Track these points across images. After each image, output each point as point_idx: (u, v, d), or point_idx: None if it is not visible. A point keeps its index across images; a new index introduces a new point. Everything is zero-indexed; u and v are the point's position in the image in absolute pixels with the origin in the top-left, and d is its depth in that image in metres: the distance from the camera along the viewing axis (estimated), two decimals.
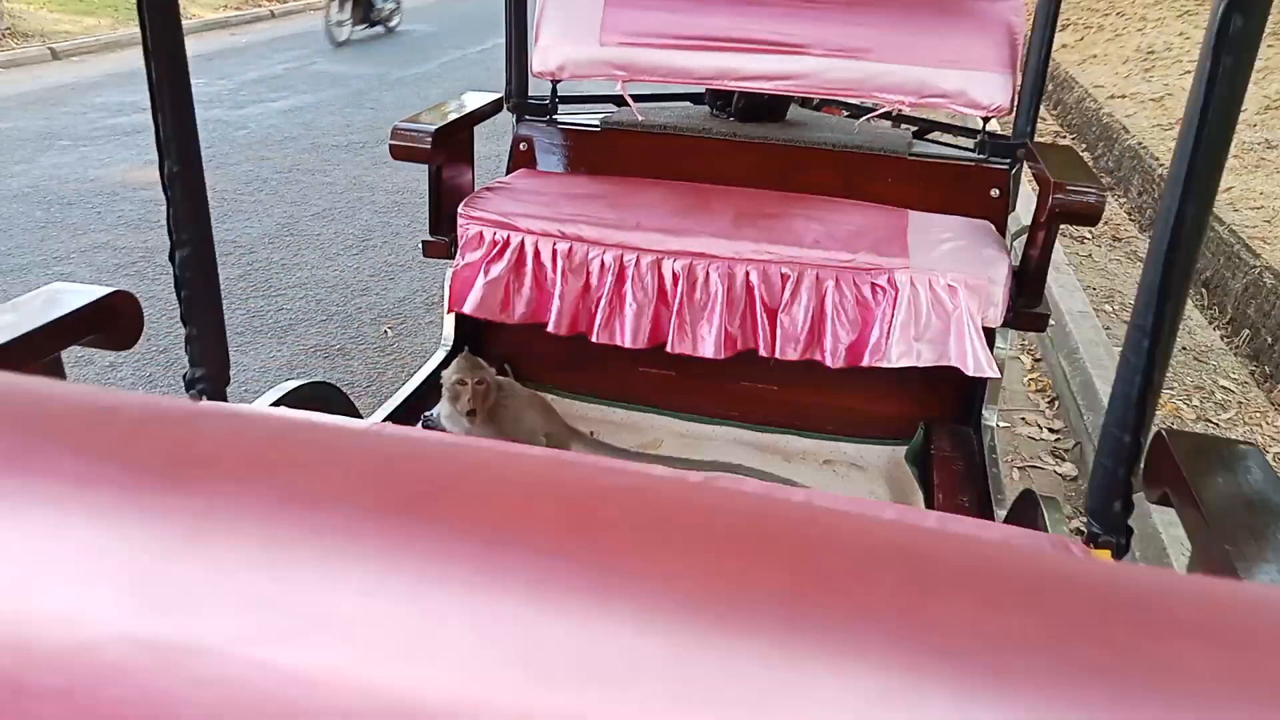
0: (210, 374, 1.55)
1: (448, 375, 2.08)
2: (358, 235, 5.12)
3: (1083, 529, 1.70)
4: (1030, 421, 3.42)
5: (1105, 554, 1.19)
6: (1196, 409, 3.69)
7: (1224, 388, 3.91)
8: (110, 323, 1.33)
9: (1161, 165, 6.24)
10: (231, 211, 5.41)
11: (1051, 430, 3.37)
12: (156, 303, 4.14)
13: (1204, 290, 5.04)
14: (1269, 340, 4.25)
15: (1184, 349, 4.25)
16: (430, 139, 2.23)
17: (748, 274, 2.19)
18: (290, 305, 4.23)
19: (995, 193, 2.45)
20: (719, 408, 2.55)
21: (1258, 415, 3.70)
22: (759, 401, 2.53)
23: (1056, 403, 3.55)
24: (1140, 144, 6.83)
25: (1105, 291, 4.89)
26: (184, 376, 1.57)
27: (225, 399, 1.58)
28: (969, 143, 2.59)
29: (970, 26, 2.39)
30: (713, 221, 2.26)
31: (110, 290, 1.33)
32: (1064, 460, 3.18)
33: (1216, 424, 3.63)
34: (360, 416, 2.06)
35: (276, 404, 1.69)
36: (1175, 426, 3.47)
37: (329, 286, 4.46)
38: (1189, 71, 8.74)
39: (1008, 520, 1.73)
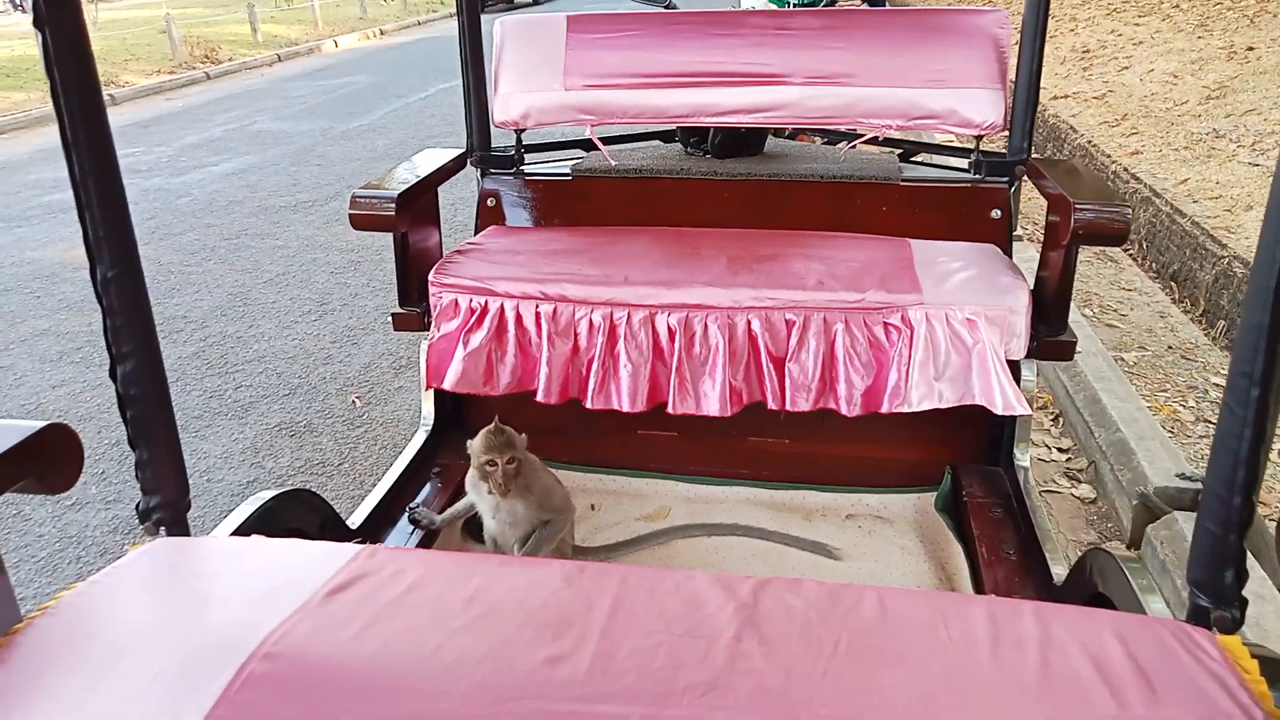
0: (167, 501, 1.35)
1: (476, 449, 1.88)
2: (315, 300, 4.90)
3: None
4: (1037, 442, 3.29)
5: (1237, 643, 1.03)
6: (1194, 410, 3.59)
7: (1216, 385, 3.83)
8: (44, 464, 1.13)
9: (1114, 161, 6.24)
10: (180, 285, 5.16)
11: (1060, 450, 3.25)
12: (106, 390, 3.89)
13: (1174, 284, 5.01)
14: None
15: (1170, 348, 4.18)
16: (393, 205, 2.05)
17: (749, 323, 2.04)
18: (249, 381, 4.00)
19: (996, 214, 2.33)
20: (728, 467, 2.38)
21: None
22: (770, 457, 2.36)
23: (1061, 419, 3.43)
24: (1090, 141, 6.85)
25: (1083, 295, 4.82)
26: (136, 506, 1.36)
27: (186, 528, 1.38)
28: (961, 163, 2.47)
29: (954, 43, 2.27)
30: (706, 269, 2.10)
31: (43, 425, 1.13)
32: (1079, 482, 3.05)
33: (1215, 424, 3.54)
34: (342, 520, 1.85)
35: (245, 525, 1.49)
36: (1175, 429, 3.37)
37: (289, 358, 4.23)
38: (1127, 67, 8.87)
39: (1071, 581, 1.58)
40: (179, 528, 1.38)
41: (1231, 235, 4.87)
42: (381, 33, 19.39)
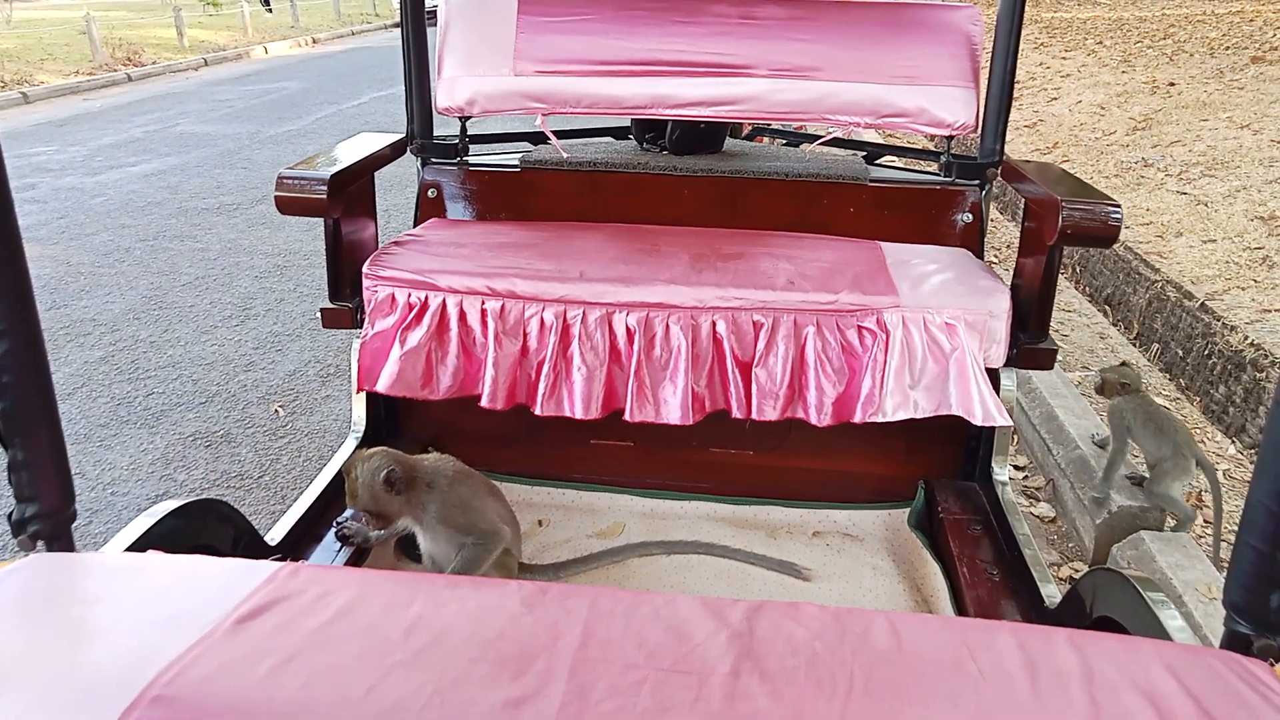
0: (47, 510, 1.13)
1: None
2: (237, 304, 4.62)
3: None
4: None
5: None
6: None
7: (1161, 405, 3.83)
8: None
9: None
10: (89, 286, 4.82)
11: (1017, 467, 3.17)
12: None
13: (1108, 306, 5.06)
14: (1179, 353, 4.24)
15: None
16: (325, 187, 1.85)
17: (714, 324, 1.89)
18: (162, 388, 3.71)
19: (968, 218, 2.23)
20: (688, 480, 2.23)
21: (1198, 431, 3.61)
22: (733, 470, 2.21)
23: (1016, 436, 3.36)
24: None
25: None
26: (9, 516, 1.14)
27: (70, 541, 1.16)
28: (929, 165, 2.37)
29: (926, 39, 2.18)
30: (667, 266, 1.95)
31: None
32: (1038, 500, 2.97)
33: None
34: (259, 536, 1.64)
35: (143, 540, 1.28)
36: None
37: (207, 364, 3.95)
38: (1055, 99, 9.09)
39: (1068, 604, 1.45)
40: (61, 542, 1.16)
41: (1163, 260, 4.94)
42: (314, 41, 18.96)
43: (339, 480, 2.00)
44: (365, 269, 1.96)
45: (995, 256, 5.49)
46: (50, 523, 1.15)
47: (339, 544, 1.84)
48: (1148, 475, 2.56)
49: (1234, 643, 1.01)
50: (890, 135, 7.46)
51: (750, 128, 3.05)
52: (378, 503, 1.69)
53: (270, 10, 19.77)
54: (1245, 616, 1.01)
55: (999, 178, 2.20)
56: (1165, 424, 2.53)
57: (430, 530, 1.77)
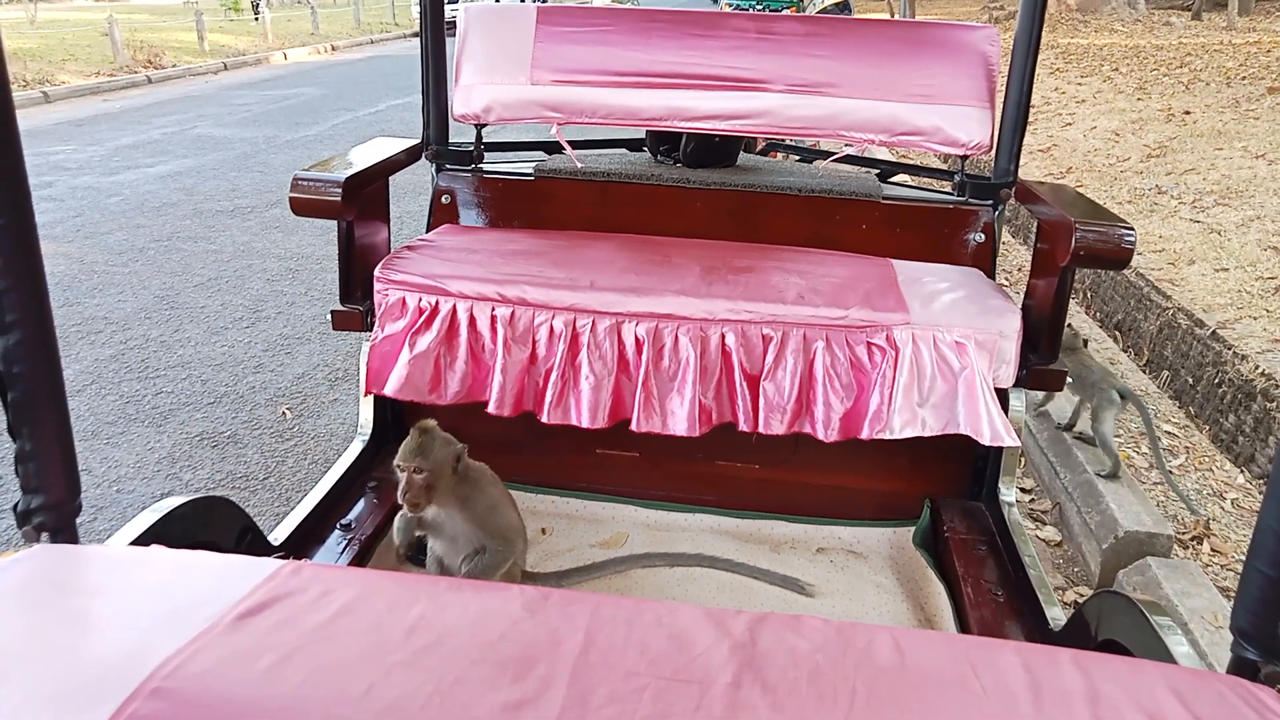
0: (52, 502, 1.13)
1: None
2: (248, 306, 4.64)
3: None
4: None
5: None
6: (1147, 456, 3.55)
7: (1168, 432, 3.81)
8: None
9: None
10: (103, 285, 4.86)
11: (1024, 490, 3.16)
12: None
13: (1118, 333, 5.03)
14: (1189, 381, 4.22)
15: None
16: (339, 190, 1.86)
17: (723, 336, 1.89)
18: (171, 387, 3.72)
19: (980, 238, 2.23)
20: (693, 493, 2.22)
21: (1206, 460, 3.59)
22: (739, 484, 2.21)
23: (1023, 459, 3.35)
24: None
25: None
26: (14, 507, 1.15)
27: (75, 535, 1.17)
28: (943, 185, 2.37)
29: (943, 58, 2.18)
30: (678, 277, 1.95)
31: None
32: (1044, 524, 2.96)
33: (1169, 470, 3.50)
34: (263, 535, 1.64)
35: (147, 534, 1.28)
36: (1129, 475, 3.31)
37: (216, 365, 3.96)
38: (1070, 124, 9.08)
39: (1073, 626, 1.44)
40: (66, 534, 1.17)
41: (1175, 288, 4.91)
42: (333, 48, 19.11)
43: (344, 482, 2.01)
44: (377, 272, 1.97)
45: (1005, 280, 5.48)
46: (55, 514, 1.15)
47: (342, 545, 1.83)
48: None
49: (1240, 668, 1.00)
50: (904, 154, 7.47)
51: (765, 143, 3.06)
52: (438, 476, 1.67)
53: (256, 18, 19.76)
54: (1252, 642, 1.00)
55: (1012, 199, 2.20)
56: (1086, 373, 2.83)
57: (453, 527, 1.76)
